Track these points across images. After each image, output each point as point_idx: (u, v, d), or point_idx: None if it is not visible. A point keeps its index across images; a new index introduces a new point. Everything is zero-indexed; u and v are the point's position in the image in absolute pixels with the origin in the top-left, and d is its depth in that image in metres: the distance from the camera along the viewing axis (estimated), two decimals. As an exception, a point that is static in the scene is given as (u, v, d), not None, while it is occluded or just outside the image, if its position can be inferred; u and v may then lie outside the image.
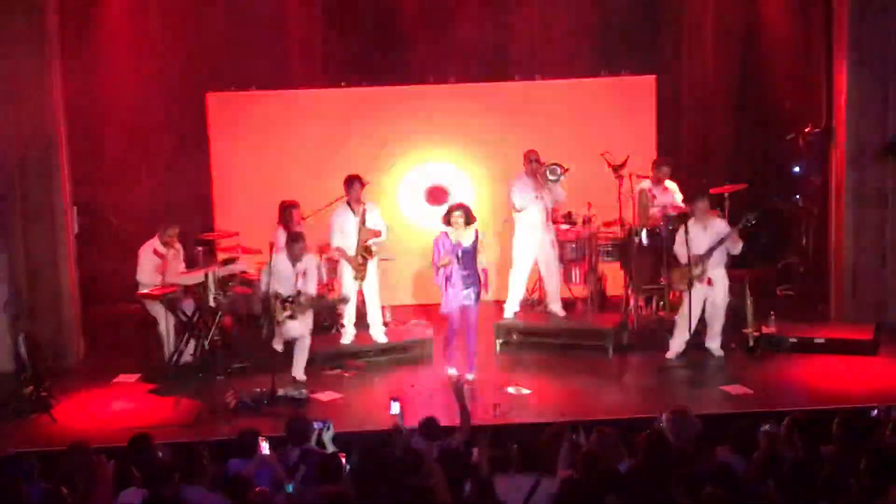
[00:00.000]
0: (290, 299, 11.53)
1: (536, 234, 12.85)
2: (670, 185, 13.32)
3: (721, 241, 11.81)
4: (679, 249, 12.04)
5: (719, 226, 11.99)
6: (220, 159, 14.65)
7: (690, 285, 11.89)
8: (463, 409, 9.01)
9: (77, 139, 13.28)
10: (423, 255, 13.96)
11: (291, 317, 11.61)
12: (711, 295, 11.94)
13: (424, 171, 14.80)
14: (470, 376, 11.74)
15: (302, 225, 12.85)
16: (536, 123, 14.46)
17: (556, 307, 13.14)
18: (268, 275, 11.50)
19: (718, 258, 11.92)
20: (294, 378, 11.79)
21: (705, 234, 11.88)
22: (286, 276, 11.65)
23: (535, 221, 12.81)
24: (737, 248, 12.00)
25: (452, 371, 11.79)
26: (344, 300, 12.34)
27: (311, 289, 11.82)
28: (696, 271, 11.86)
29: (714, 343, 12.13)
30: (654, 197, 13.18)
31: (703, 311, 12.02)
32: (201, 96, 14.58)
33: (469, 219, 11.58)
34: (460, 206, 11.69)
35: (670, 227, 12.52)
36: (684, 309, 12.04)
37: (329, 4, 15.11)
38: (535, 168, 12.74)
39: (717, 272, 11.95)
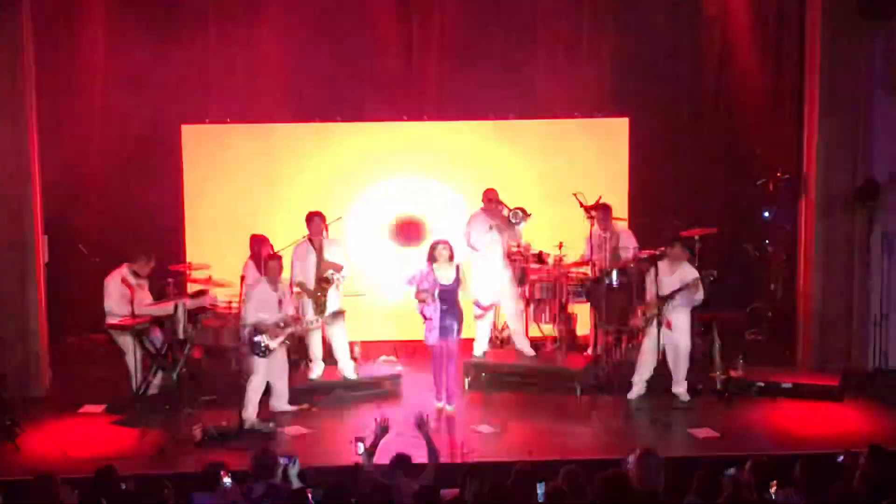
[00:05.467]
0: (282, 323, 11.55)
1: (496, 271, 12.92)
2: (620, 225, 13.36)
3: (683, 288, 11.89)
4: (647, 286, 12.17)
5: (687, 272, 12.05)
6: (193, 191, 14.64)
7: (647, 324, 12.00)
8: (430, 446, 8.98)
9: (50, 168, 13.24)
10: (396, 291, 13.99)
11: (285, 341, 11.62)
12: (672, 339, 11.99)
13: (395, 208, 14.82)
14: (450, 408, 11.84)
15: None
16: (509, 163, 14.54)
17: (522, 345, 13.17)
18: (252, 305, 11.49)
19: (680, 302, 11.98)
20: (276, 410, 11.83)
21: (671, 278, 11.95)
22: (270, 301, 11.67)
23: (493, 259, 12.91)
24: (698, 297, 12.09)
25: (439, 405, 11.84)
26: (338, 314, 12.36)
27: (291, 311, 11.88)
28: (654, 311, 11.93)
29: (680, 388, 12.17)
30: (599, 240, 13.20)
31: (666, 355, 12.09)
32: (176, 128, 14.59)
33: (451, 254, 11.71)
34: (444, 242, 11.82)
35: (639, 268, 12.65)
36: (644, 348, 12.16)
37: (304, 40, 15.14)
38: (493, 208, 12.85)
39: (679, 317, 12.02)
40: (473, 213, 13.11)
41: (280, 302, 11.75)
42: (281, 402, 11.96)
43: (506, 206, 12.93)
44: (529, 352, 13.15)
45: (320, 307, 12.39)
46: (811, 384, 12.43)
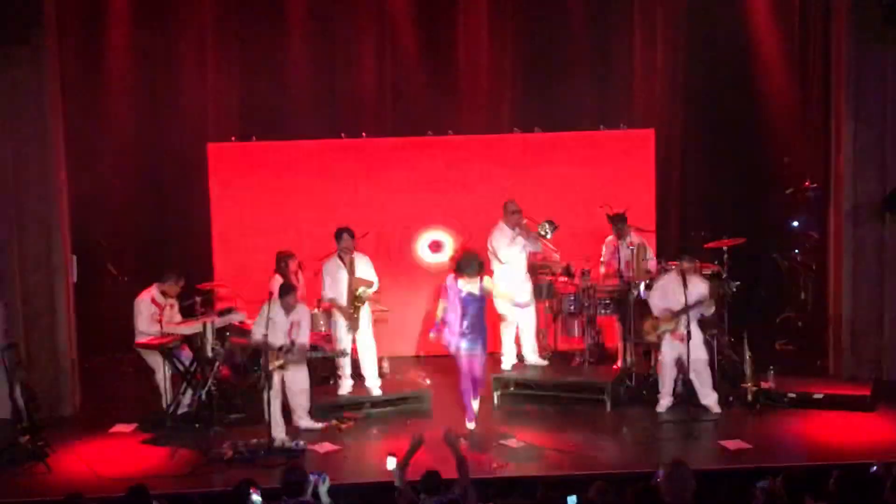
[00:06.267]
0: (283, 348, 11.53)
1: (519, 283, 12.90)
2: (637, 238, 13.31)
3: (697, 304, 11.85)
4: (654, 301, 12.08)
5: (700, 286, 12.00)
6: (221, 209, 14.67)
7: (660, 339, 11.96)
8: (459, 461, 8.95)
9: (78, 188, 13.32)
10: (423, 307, 13.97)
11: (282, 367, 11.59)
12: (687, 351, 11.92)
13: (420, 222, 14.81)
14: (471, 425, 11.74)
15: (298, 275, 12.90)
16: (535, 176, 14.51)
17: (533, 357, 13.15)
18: (262, 323, 11.48)
19: (692, 315, 11.93)
20: (301, 428, 11.80)
21: (684, 292, 11.90)
22: (280, 325, 11.64)
23: (517, 271, 12.90)
24: (710, 310, 12.05)
25: (471, 425, 11.74)
26: (342, 353, 12.34)
27: (304, 339, 11.82)
28: (668, 326, 11.89)
29: (709, 400, 12.07)
30: (616, 251, 13.17)
31: (688, 369, 12.03)
32: (203, 147, 14.64)
33: (482, 268, 11.64)
34: (474, 259, 11.66)
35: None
36: (663, 361, 12.13)
37: (329, 56, 15.20)
38: (516, 220, 12.81)
39: (691, 329, 11.92)
40: (496, 226, 13.02)
41: (291, 327, 11.72)
42: (303, 420, 11.93)
43: (527, 216, 12.87)
44: (541, 363, 13.14)
45: (354, 324, 12.37)
46: (842, 394, 12.33)
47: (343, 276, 12.38)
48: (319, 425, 11.94)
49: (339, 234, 12.47)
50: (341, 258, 12.46)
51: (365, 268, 12.52)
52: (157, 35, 14.97)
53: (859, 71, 12.82)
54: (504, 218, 12.93)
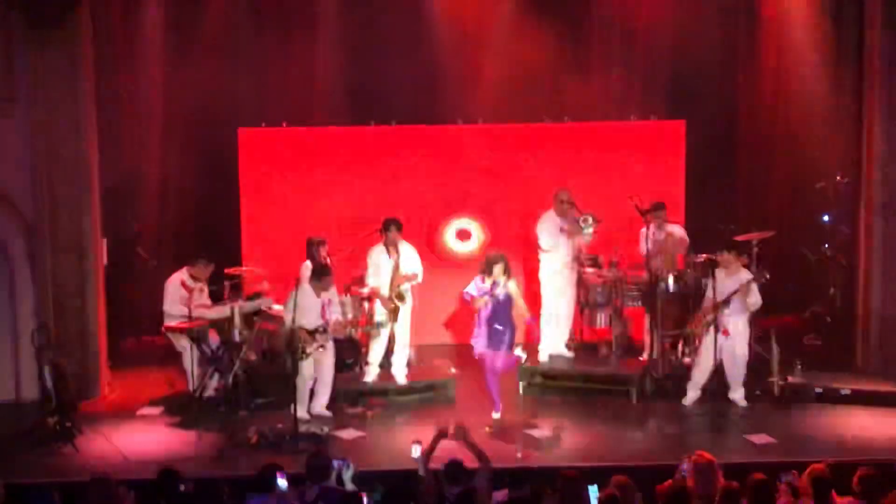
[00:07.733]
0: (320, 329, 11.58)
1: (564, 274, 12.84)
2: (673, 228, 13.26)
3: (735, 291, 11.77)
4: (708, 293, 12.02)
5: (743, 276, 11.94)
6: (250, 194, 14.72)
7: (705, 330, 11.90)
8: (478, 454, 8.98)
9: (109, 172, 13.37)
10: (451, 295, 13.97)
11: (322, 346, 11.65)
12: (729, 346, 11.88)
13: (452, 211, 14.80)
14: (496, 415, 11.72)
15: (328, 261, 12.92)
16: (565, 165, 14.49)
17: (560, 348, 13.11)
18: (291, 309, 11.50)
19: (737, 307, 11.87)
20: (316, 414, 11.84)
21: (730, 282, 11.84)
22: (312, 307, 11.68)
23: (562, 261, 12.81)
24: (753, 301, 11.92)
25: (496, 415, 11.71)
26: (379, 326, 12.33)
27: (335, 318, 11.88)
28: (710, 318, 11.83)
29: (737, 394, 12.05)
30: (655, 244, 13.02)
31: (722, 362, 11.96)
32: (233, 131, 14.67)
33: (507, 270, 11.57)
34: (500, 259, 11.61)
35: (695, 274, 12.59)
36: (700, 354, 12.07)
37: (360, 43, 15.19)
38: (566, 209, 12.74)
39: (737, 322, 11.91)
40: (545, 214, 12.90)
41: (323, 308, 11.76)
42: (320, 407, 11.98)
43: (577, 208, 12.80)
44: (567, 354, 13.12)
45: (393, 317, 12.34)
46: (870, 390, 12.29)
47: (388, 269, 12.29)
48: (330, 414, 11.95)
49: (387, 226, 12.32)
50: (388, 249, 12.36)
51: (410, 259, 12.42)
52: (190, 19, 14.98)
53: (892, 64, 12.74)
54: (554, 206, 12.84)
